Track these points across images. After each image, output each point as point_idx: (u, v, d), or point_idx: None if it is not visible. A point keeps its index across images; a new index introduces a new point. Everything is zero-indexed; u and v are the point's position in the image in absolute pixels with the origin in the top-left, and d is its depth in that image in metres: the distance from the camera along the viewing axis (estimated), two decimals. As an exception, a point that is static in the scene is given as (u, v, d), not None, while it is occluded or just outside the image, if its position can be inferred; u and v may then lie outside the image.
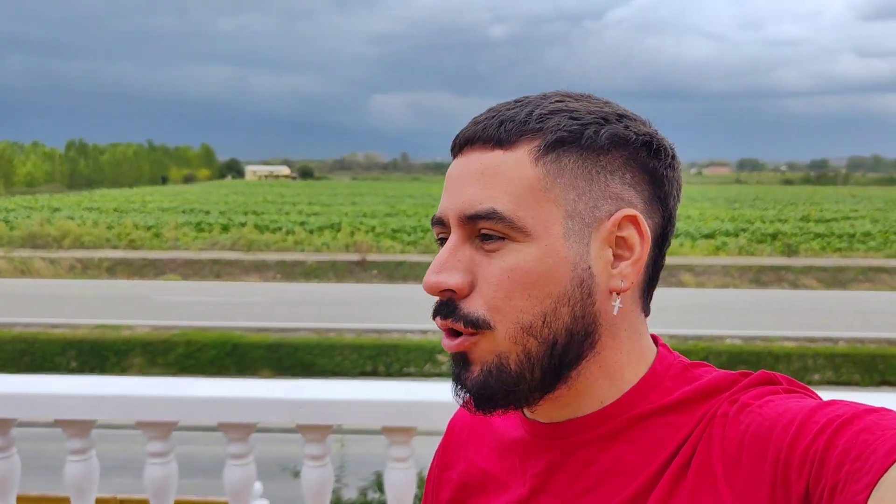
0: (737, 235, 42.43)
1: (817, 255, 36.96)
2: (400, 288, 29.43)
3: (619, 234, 0.74)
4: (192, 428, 2.59)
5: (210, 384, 2.25)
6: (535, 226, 0.71)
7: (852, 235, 43.07)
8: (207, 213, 54.17)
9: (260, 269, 32.71)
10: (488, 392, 0.73)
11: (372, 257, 34.24)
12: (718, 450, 0.69)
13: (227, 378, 2.27)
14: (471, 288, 0.73)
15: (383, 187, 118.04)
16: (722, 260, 35.67)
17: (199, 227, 43.10)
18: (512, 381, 0.73)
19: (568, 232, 0.72)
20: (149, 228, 41.85)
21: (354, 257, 34.24)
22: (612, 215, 0.74)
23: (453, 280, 0.73)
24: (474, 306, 0.73)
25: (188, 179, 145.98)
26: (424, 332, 21.29)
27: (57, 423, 2.20)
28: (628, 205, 0.74)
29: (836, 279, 32.16)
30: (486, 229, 0.72)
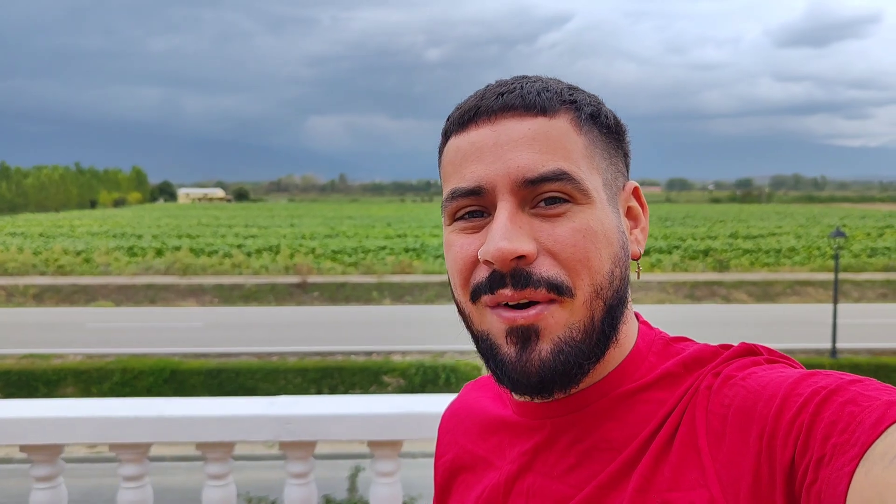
0: (670, 252, 43.60)
1: (747, 270, 38.25)
2: (342, 309, 29.11)
3: (629, 203, 0.80)
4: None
5: (187, 403, 2.18)
6: (592, 190, 0.73)
7: (778, 251, 44.79)
8: (140, 236, 52.62)
9: (196, 294, 31.87)
10: (559, 371, 0.71)
11: (313, 279, 33.79)
12: (702, 423, 0.69)
13: (204, 397, 2.20)
14: (536, 255, 0.71)
15: (321, 209, 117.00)
16: (657, 276, 36.56)
17: (131, 252, 41.77)
18: (583, 355, 0.72)
19: (609, 198, 0.75)
20: (78, 253, 40.33)
21: (294, 279, 33.73)
22: (625, 186, 0.79)
23: (526, 246, 0.70)
24: (551, 269, 0.71)
25: (119, 203, 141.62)
26: (369, 353, 21.10)
27: (22, 450, 2.10)
28: (626, 179, 0.81)
29: (765, 293, 33.33)
30: (552, 192, 0.71)
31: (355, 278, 34.69)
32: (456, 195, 0.74)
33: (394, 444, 2.10)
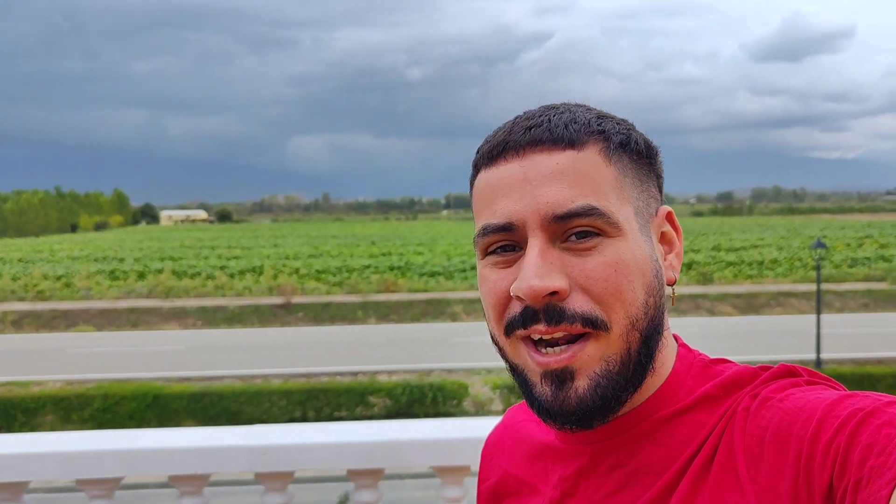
0: (654, 266, 43.78)
1: (730, 282, 38.44)
2: (327, 330, 28.90)
3: (663, 228, 0.80)
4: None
5: (158, 434, 2.10)
6: (623, 221, 0.73)
7: (761, 263, 45.08)
8: (122, 260, 52.11)
9: (179, 317, 31.54)
10: (597, 405, 0.71)
11: (297, 300, 33.56)
12: (741, 445, 0.69)
13: (176, 427, 2.11)
14: (569, 290, 0.71)
15: (305, 228, 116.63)
16: (642, 290, 36.67)
17: (113, 276, 41.32)
18: (620, 387, 0.72)
19: (640, 227, 0.75)
20: (59, 278, 39.81)
21: (278, 300, 33.47)
22: (657, 211, 0.79)
23: (558, 282, 0.70)
24: (585, 305, 0.71)
25: (100, 226, 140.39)
26: (354, 373, 20.93)
27: (-16, 488, 2.00)
28: (659, 203, 0.81)
29: (750, 305, 33.50)
30: (581, 226, 0.71)
31: (340, 298, 34.50)
32: (487, 231, 0.75)
33: (374, 473, 2.02)
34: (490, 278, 0.76)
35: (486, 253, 0.76)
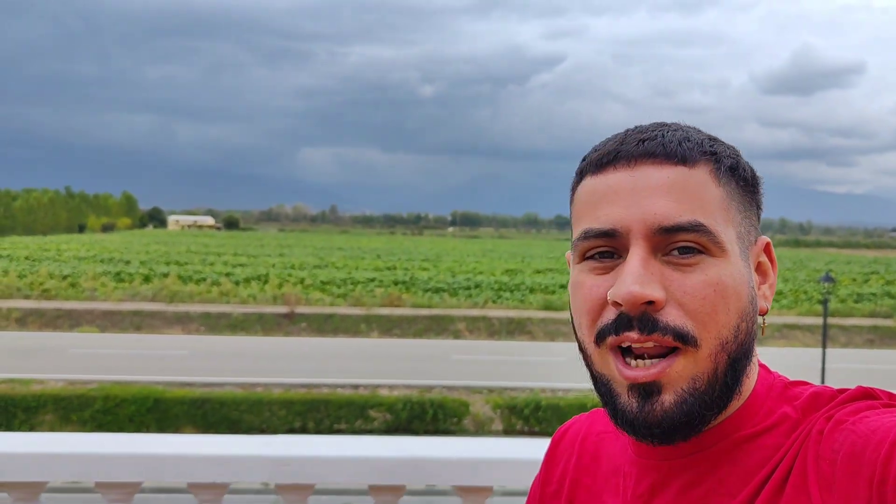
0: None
1: (735, 312, 38.34)
2: (330, 341, 28.85)
3: (760, 258, 0.80)
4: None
5: (178, 440, 2.08)
6: (727, 243, 0.73)
7: (766, 294, 44.96)
8: (128, 262, 52.23)
9: (183, 321, 31.54)
10: (682, 421, 0.71)
11: (301, 310, 33.55)
12: (813, 468, 0.69)
13: (195, 434, 2.08)
14: (665, 302, 0.71)
15: (311, 239, 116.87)
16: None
17: (118, 277, 41.38)
18: (706, 405, 0.72)
19: (741, 251, 0.75)
20: (64, 278, 39.89)
21: (282, 309, 33.46)
22: (757, 241, 0.79)
23: (657, 293, 0.70)
24: (678, 319, 0.71)
25: (107, 228, 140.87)
26: (355, 386, 20.85)
27: (1, 488, 1.99)
28: (759, 233, 0.81)
29: (764, 334, 33.37)
30: (686, 242, 0.71)
31: (343, 310, 34.46)
32: (589, 235, 0.75)
33: (395, 490, 1.99)
34: (586, 283, 0.76)
35: (584, 258, 0.76)
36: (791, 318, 36.66)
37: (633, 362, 0.72)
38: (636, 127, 0.80)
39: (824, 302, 22.32)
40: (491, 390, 20.62)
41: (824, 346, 20.85)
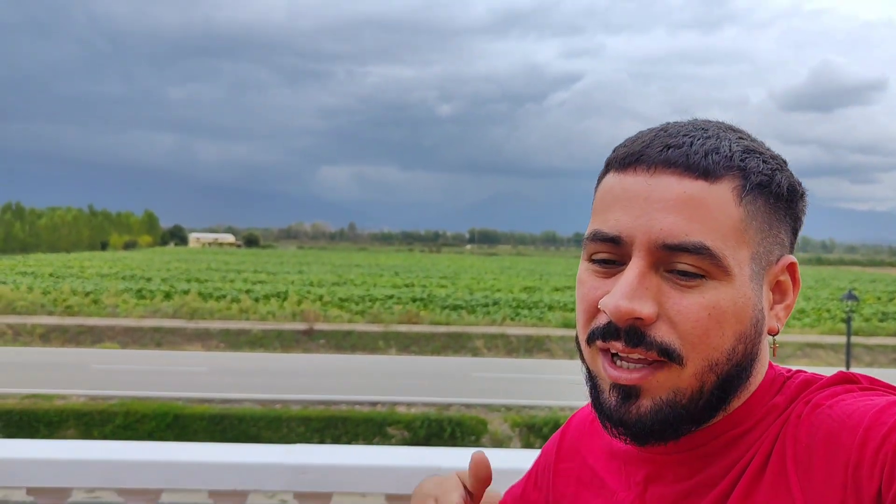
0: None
1: (757, 330, 37.87)
2: (348, 358, 28.89)
3: (780, 278, 0.77)
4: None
5: (199, 448, 2.12)
6: (734, 266, 0.71)
7: (788, 312, 44.37)
8: (149, 279, 52.75)
9: (203, 338, 31.75)
10: (655, 427, 0.72)
11: (319, 326, 33.66)
12: (791, 452, 0.69)
13: (214, 443, 2.14)
14: (656, 318, 0.71)
15: (330, 257, 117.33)
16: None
17: (140, 294, 41.82)
18: (681, 418, 0.73)
19: (753, 273, 0.73)
20: (87, 294, 40.38)
21: (301, 326, 33.59)
22: (779, 260, 0.76)
23: (646, 309, 0.70)
24: (666, 336, 0.71)
25: (129, 245, 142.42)
26: (374, 403, 20.85)
27: (29, 493, 2.04)
28: (787, 250, 0.78)
29: (776, 354, 32.96)
30: (687, 263, 0.70)
31: (362, 327, 34.53)
32: (596, 238, 0.74)
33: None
34: (587, 284, 0.76)
35: (590, 258, 0.77)
36: (813, 337, 36.18)
37: (619, 363, 0.73)
38: (671, 125, 0.77)
39: (847, 320, 22.03)
40: (509, 408, 20.52)
41: (848, 366, 20.58)
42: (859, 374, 0.75)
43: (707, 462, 0.76)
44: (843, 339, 29.04)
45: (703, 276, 0.70)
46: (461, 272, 73.58)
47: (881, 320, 40.71)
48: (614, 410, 0.73)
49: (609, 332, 0.72)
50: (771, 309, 0.77)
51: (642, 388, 0.72)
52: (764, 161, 0.75)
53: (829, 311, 44.05)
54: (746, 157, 0.74)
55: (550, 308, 40.20)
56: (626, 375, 0.72)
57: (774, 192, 0.74)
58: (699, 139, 0.74)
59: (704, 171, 0.71)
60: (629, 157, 0.74)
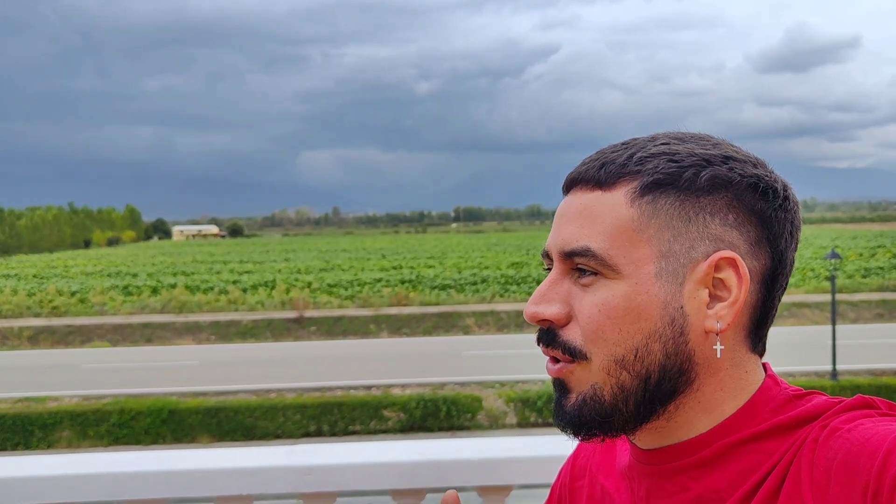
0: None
1: (744, 293, 38.24)
2: (340, 343, 28.95)
3: (716, 275, 0.75)
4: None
5: (203, 454, 2.12)
6: (626, 264, 0.75)
7: (774, 273, 44.80)
8: (135, 275, 52.43)
9: (193, 331, 31.67)
10: (584, 420, 0.77)
11: (309, 313, 33.65)
12: (808, 476, 0.69)
13: (216, 448, 2.14)
14: (568, 319, 0.78)
15: (316, 242, 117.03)
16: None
17: (126, 291, 41.58)
18: (606, 412, 0.77)
19: (661, 271, 0.75)
20: (73, 294, 40.11)
21: (291, 314, 33.57)
22: (709, 256, 0.75)
23: (549, 311, 0.78)
24: (573, 336, 0.77)
25: (113, 242, 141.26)
26: (368, 387, 20.93)
27: (32, 510, 2.03)
28: (729, 246, 0.75)
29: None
30: (581, 265, 0.77)
31: (352, 311, 34.57)
32: (542, 255, 0.84)
33: (417, 493, 2.03)
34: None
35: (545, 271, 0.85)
36: (799, 297, 36.61)
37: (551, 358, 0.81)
38: (605, 148, 0.82)
39: (832, 279, 22.27)
40: (503, 384, 20.67)
41: (834, 323, 20.83)
42: (878, 400, 0.74)
43: (705, 471, 0.75)
44: (828, 298, 29.40)
45: (596, 275, 0.76)
46: (448, 251, 73.65)
47: (864, 276, 41.25)
48: (555, 404, 0.80)
49: (539, 334, 0.80)
50: (708, 307, 0.75)
51: (566, 382, 0.78)
52: (672, 160, 0.75)
53: (813, 270, 44.54)
54: (647, 160, 0.76)
55: (539, 282, 40.30)
56: (551, 368, 0.80)
57: (684, 188, 0.75)
58: (608, 154, 0.79)
59: (597, 181, 0.78)
60: (563, 185, 0.84)
